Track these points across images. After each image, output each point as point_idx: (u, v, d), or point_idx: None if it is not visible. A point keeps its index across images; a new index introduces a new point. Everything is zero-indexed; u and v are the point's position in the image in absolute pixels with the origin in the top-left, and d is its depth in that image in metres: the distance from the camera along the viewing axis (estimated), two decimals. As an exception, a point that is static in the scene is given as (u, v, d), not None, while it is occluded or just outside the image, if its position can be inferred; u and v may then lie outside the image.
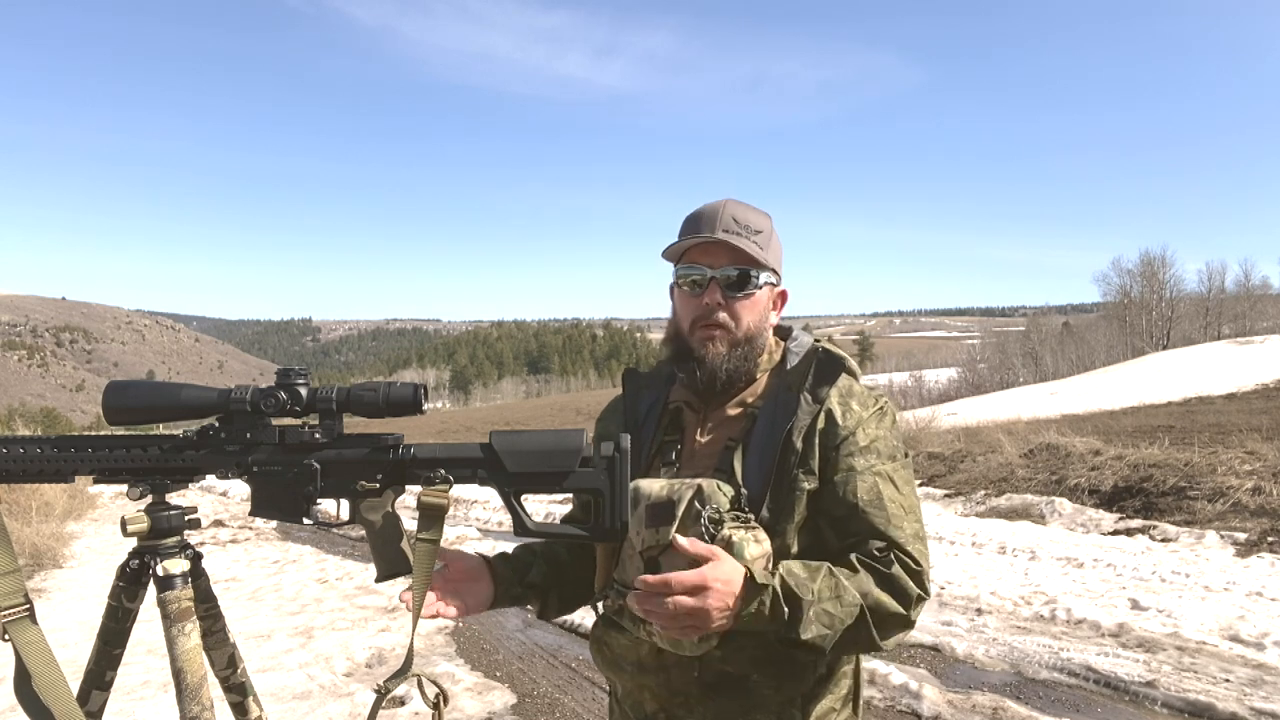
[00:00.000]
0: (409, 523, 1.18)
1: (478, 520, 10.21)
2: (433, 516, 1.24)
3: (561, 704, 4.14)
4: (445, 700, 1.27)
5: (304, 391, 1.21)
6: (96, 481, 1.27)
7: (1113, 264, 65.55)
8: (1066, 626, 5.06)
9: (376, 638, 5.25)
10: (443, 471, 1.25)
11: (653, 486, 1.32)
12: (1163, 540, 7.10)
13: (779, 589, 1.19)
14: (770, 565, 1.24)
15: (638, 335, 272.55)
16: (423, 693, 1.25)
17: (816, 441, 1.34)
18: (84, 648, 1.29)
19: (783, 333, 1.53)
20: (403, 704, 3.90)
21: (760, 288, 1.41)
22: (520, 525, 1.27)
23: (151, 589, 1.25)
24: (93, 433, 1.52)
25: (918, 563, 1.30)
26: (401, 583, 1.25)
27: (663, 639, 1.27)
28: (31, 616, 1.17)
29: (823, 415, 1.35)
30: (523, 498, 1.27)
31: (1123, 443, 11.12)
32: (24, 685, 1.14)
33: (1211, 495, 8.06)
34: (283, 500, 1.25)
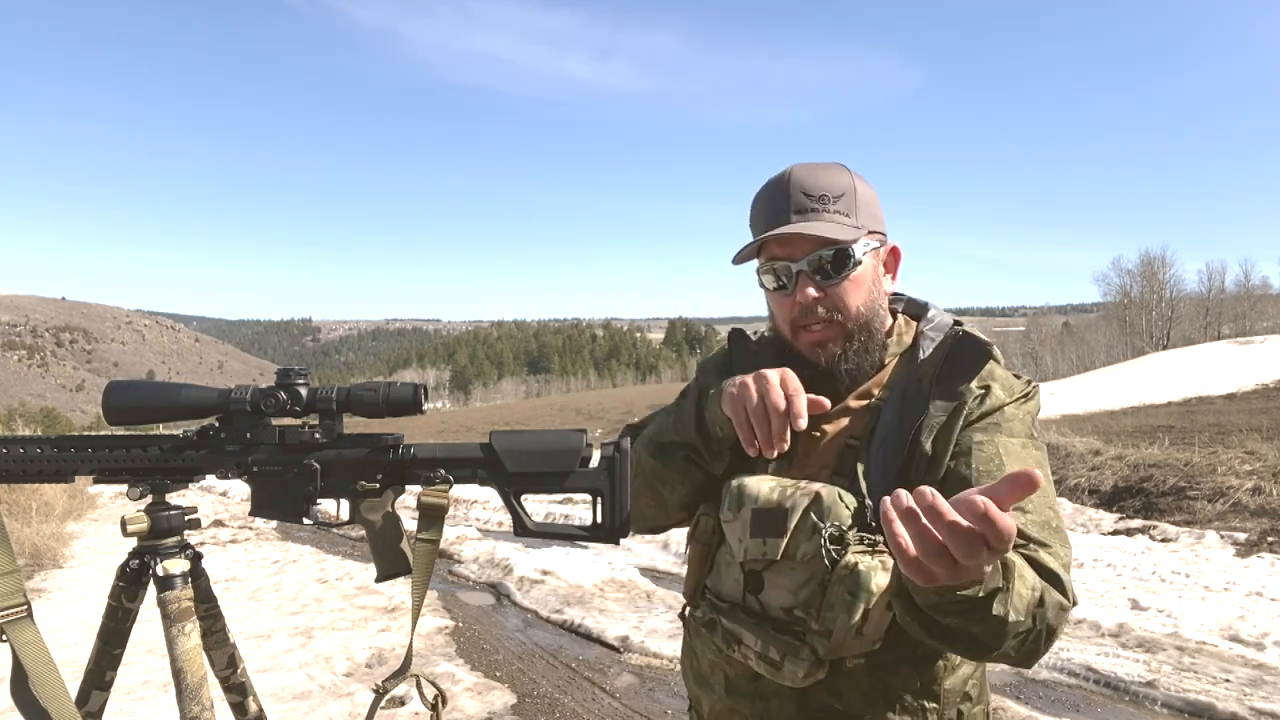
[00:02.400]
0: (409, 523, 1.18)
1: (478, 520, 10.21)
2: (433, 516, 1.23)
3: (561, 704, 4.14)
4: (444, 701, 1.27)
5: (304, 391, 1.21)
6: (96, 481, 1.27)
7: (1113, 264, 65.68)
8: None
9: (376, 638, 5.24)
10: (443, 471, 1.25)
11: (761, 487, 1.15)
12: (1163, 540, 7.10)
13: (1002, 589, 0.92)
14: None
15: (638, 335, 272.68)
16: (421, 694, 1.25)
17: (953, 441, 1.11)
18: (84, 648, 1.29)
19: (917, 310, 1.29)
20: (403, 704, 3.90)
21: (859, 263, 1.17)
22: (520, 525, 1.27)
23: (151, 589, 1.25)
24: (93, 433, 1.52)
25: (1045, 546, 1.03)
26: (403, 585, 1.25)
27: (759, 663, 1.10)
28: (30, 617, 1.16)
29: (958, 411, 1.12)
30: (523, 498, 1.27)
31: (1123, 443, 11.12)
32: (21, 687, 1.14)
33: (1211, 495, 8.07)
34: (283, 500, 1.25)
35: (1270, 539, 6.69)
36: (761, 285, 1.24)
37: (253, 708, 1.35)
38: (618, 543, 1.28)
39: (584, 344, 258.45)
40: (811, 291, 1.16)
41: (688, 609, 1.29)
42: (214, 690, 1.24)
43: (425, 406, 1.23)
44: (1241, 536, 6.85)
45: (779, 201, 1.18)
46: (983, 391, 1.13)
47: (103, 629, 1.26)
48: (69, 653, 4.29)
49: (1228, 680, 4.06)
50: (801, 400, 1.07)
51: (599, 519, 1.26)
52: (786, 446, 1.08)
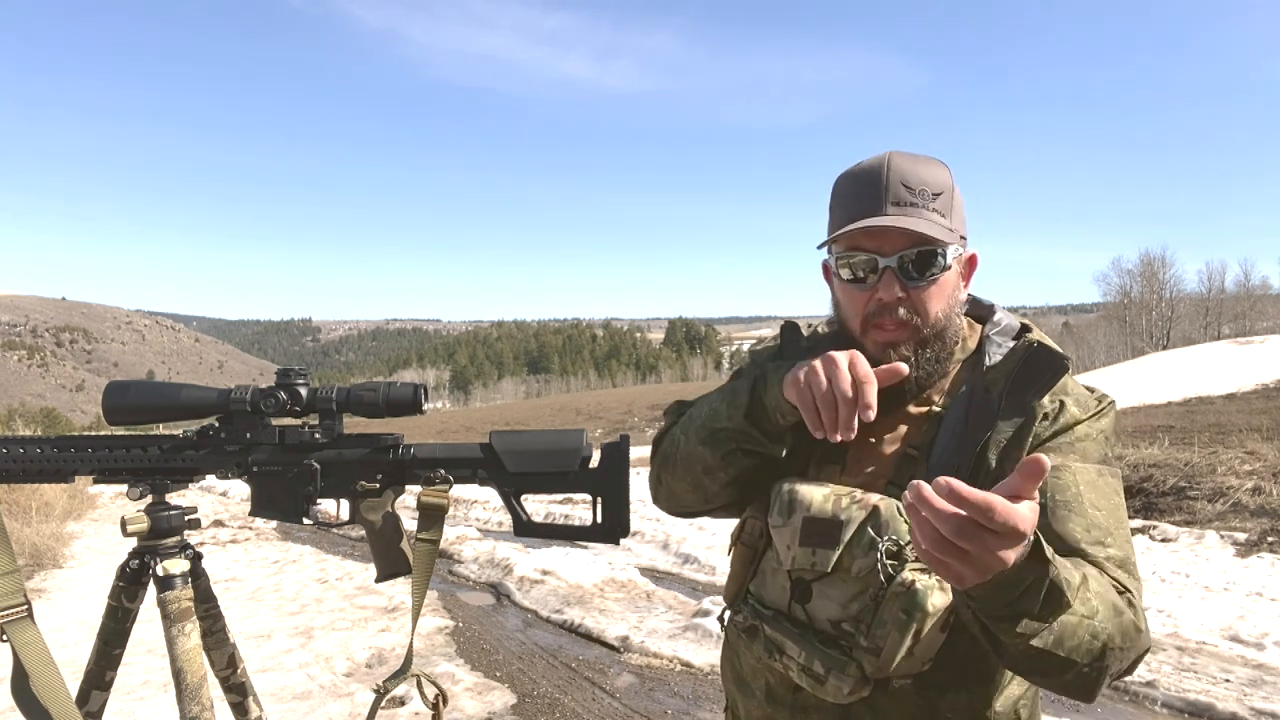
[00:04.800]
0: (409, 523, 1.18)
1: (478, 520, 10.21)
2: (433, 516, 1.24)
3: (561, 704, 4.14)
4: (444, 700, 1.27)
5: (304, 391, 1.22)
6: (96, 481, 1.27)
7: (1113, 264, 65.76)
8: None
9: (376, 638, 5.24)
10: (443, 471, 1.25)
11: (814, 495, 1.08)
12: (1163, 540, 7.10)
13: (1053, 580, 0.86)
14: (951, 618, 0.99)
15: (638, 335, 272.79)
16: (422, 693, 1.25)
17: (1020, 458, 1.04)
18: (84, 648, 1.29)
19: (980, 311, 1.22)
20: (403, 704, 3.90)
21: (949, 268, 1.10)
22: (520, 525, 1.27)
23: (151, 589, 1.25)
24: (93, 433, 1.52)
25: (1127, 590, 0.99)
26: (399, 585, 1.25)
27: (800, 675, 1.05)
28: (30, 617, 1.17)
29: (1029, 426, 1.06)
30: (523, 497, 1.27)
31: (1123, 443, 11.12)
32: (21, 686, 1.14)
33: (1211, 495, 8.06)
34: (283, 500, 1.25)
35: (1270, 539, 6.69)
36: (834, 274, 1.16)
37: (253, 708, 1.35)
38: (618, 543, 1.29)
39: (584, 344, 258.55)
40: (896, 290, 1.09)
41: (727, 613, 1.24)
42: (214, 690, 1.24)
43: (425, 406, 1.23)
44: (1241, 536, 6.85)
45: (874, 189, 1.09)
46: (1056, 407, 1.08)
47: (103, 629, 1.26)
48: (69, 653, 4.29)
49: (1228, 680, 4.06)
50: (872, 389, 1.00)
51: (599, 519, 1.26)
52: (854, 435, 1.02)
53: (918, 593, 0.97)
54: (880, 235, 1.09)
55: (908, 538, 0.99)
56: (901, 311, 1.10)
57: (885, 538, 1.00)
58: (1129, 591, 0.99)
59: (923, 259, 1.09)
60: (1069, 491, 1.03)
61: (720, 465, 1.19)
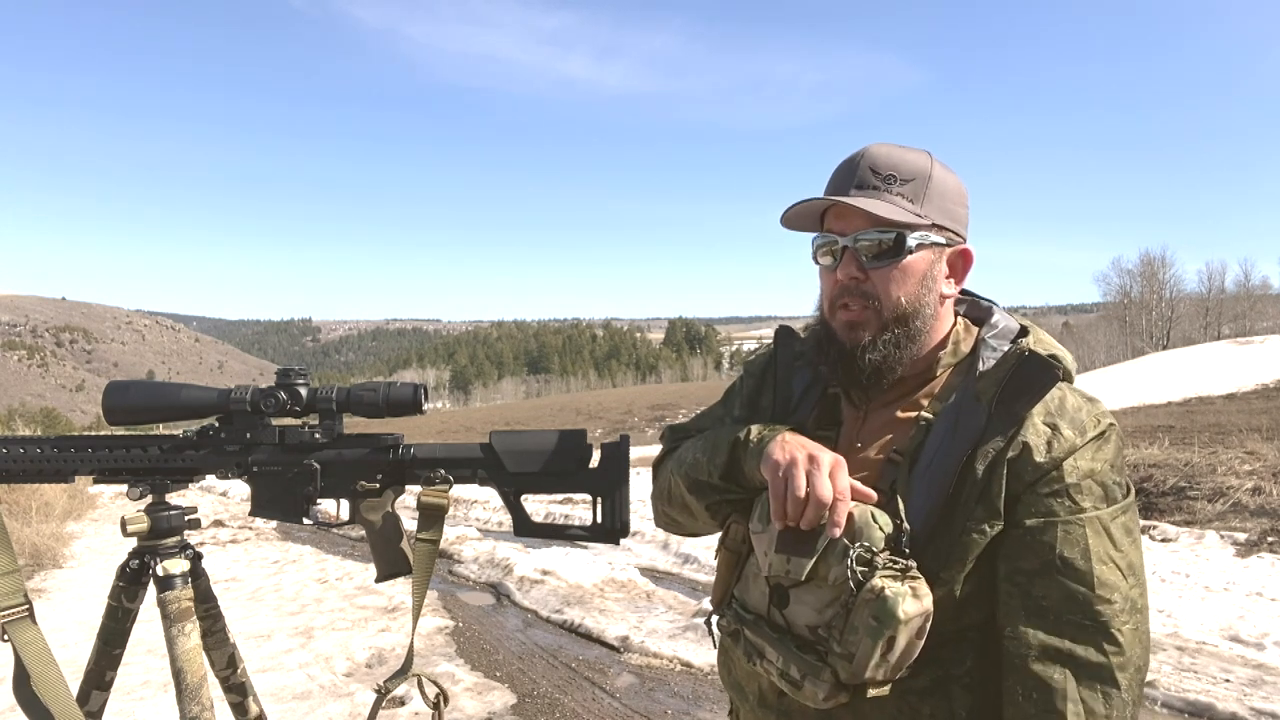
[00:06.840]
0: (409, 523, 1.18)
1: (478, 520, 10.21)
2: (433, 516, 1.24)
3: (561, 704, 4.14)
4: (445, 700, 1.27)
5: (304, 391, 1.22)
6: (96, 481, 1.27)
7: (1113, 264, 65.77)
8: None
9: (376, 638, 5.24)
10: (443, 471, 1.25)
11: None
12: (1163, 540, 7.10)
13: None
14: (928, 625, 1.00)
15: (638, 335, 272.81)
16: (423, 693, 1.25)
17: (1005, 473, 1.04)
18: (84, 648, 1.29)
19: (978, 314, 1.21)
20: (403, 704, 3.90)
21: (912, 251, 1.10)
22: (520, 525, 1.28)
23: (151, 589, 1.25)
24: (93, 433, 1.53)
25: (1117, 645, 1.00)
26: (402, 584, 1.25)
27: (780, 680, 1.06)
28: (31, 617, 1.17)
29: (1019, 440, 1.04)
30: (523, 498, 1.27)
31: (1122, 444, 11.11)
32: (23, 685, 1.14)
33: (1211, 495, 8.06)
34: (283, 500, 1.25)
35: (1270, 539, 6.68)
36: (815, 261, 1.18)
37: (253, 708, 1.35)
38: (618, 543, 1.29)
39: (584, 344, 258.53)
40: (853, 270, 1.11)
41: (714, 616, 1.25)
42: (214, 690, 1.24)
43: (425, 406, 1.23)
44: (1241, 536, 6.85)
45: (845, 175, 1.13)
46: (1049, 430, 1.05)
47: (103, 629, 1.26)
48: (69, 653, 4.29)
49: (1228, 680, 4.06)
50: (844, 508, 1.02)
51: (599, 519, 1.26)
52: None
53: (888, 599, 0.97)
54: (844, 216, 1.12)
55: (881, 545, 1.01)
56: (861, 293, 1.11)
57: (857, 544, 1.00)
58: (1113, 649, 0.99)
59: (883, 240, 1.09)
60: (1076, 548, 1.02)
61: (707, 514, 1.23)
